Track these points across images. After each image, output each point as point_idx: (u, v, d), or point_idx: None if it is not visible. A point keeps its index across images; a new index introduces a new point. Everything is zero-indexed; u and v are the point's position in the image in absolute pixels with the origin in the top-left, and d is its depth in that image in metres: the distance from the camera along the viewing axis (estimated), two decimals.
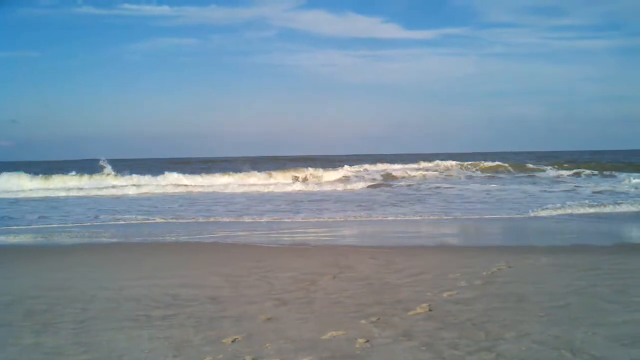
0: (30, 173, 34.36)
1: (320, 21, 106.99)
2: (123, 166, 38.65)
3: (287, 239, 12.45)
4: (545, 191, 25.19)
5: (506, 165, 42.39)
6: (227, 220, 16.57)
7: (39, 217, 17.89)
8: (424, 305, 6.38)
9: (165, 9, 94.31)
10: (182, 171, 36.94)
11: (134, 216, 17.82)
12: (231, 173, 35.88)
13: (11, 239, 13.33)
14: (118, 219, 17.01)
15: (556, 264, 8.77)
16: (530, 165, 43.29)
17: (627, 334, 5.27)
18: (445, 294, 6.90)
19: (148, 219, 16.81)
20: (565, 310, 6.10)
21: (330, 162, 56.39)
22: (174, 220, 16.48)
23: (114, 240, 12.86)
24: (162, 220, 16.51)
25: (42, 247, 12.15)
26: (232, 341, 5.29)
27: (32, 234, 14.32)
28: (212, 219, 16.70)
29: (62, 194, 27.15)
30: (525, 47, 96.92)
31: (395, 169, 40.50)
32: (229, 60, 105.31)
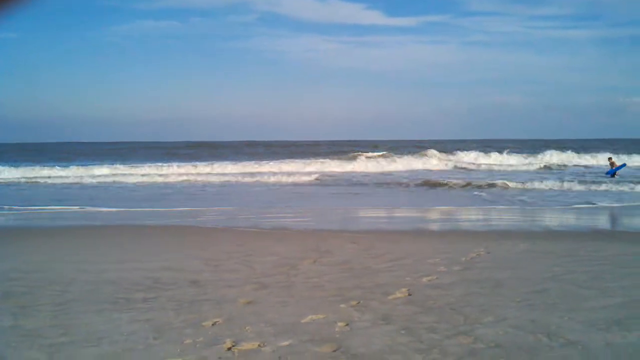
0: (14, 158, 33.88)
1: (303, 6, 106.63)
2: (123, 150, 38.25)
3: (267, 223, 12.44)
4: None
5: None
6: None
7: (24, 201, 17.70)
8: (404, 289, 6.43)
9: None
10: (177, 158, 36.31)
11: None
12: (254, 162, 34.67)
13: None
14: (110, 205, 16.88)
15: (534, 250, 8.88)
16: None
17: (602, 318, 5.36)
18: (424, 279, 6.96)
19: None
20: (542, 296, 6.19)
21: (314, 147, 56.42)
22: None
23: (95, 223, 12.79)
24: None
25: (22, 230, 12.05)
26: (213, 324, 5.30)
27: (12, 217, 14.18)
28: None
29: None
30: (507, 36, 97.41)
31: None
32: (210, 44, 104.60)
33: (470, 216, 14.40)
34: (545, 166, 33.16)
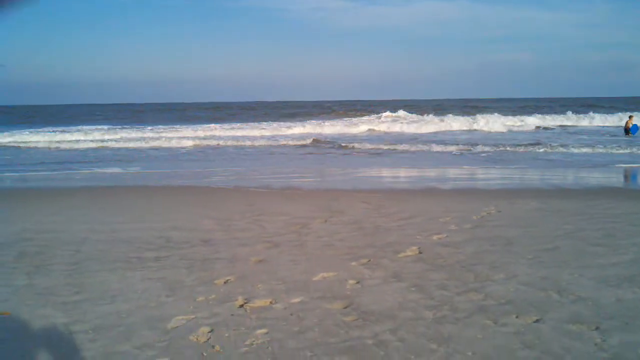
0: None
1: None
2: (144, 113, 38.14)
3: (279, 183, 12.45)
4: None
5: None
6: None
7: (39, 164, 17.81)
8: (414, 248, 6.44)
9: None
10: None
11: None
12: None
13: (4, 184, 13.30)
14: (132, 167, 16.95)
15: (545, 209, 8.84)
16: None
17: (613, 275, 5.36)
18: (435, 237, 6.97)
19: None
20: (553, 253, 6.19)
21: (321, 107, 56.13)
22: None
23: (106, 184, 12.85)
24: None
25: (34, 191, 12.13)
26: (225, 282, 5.35)
27: (24, 179, 14.29)
28: None
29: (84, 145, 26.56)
30: None
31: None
32: (214, 3, 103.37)
33: (482, 175, 14.34)
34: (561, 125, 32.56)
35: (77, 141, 26.35)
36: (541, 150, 19.42)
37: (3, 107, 74.57)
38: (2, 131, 31.03)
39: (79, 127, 33.14)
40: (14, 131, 31.16)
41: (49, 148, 23.64)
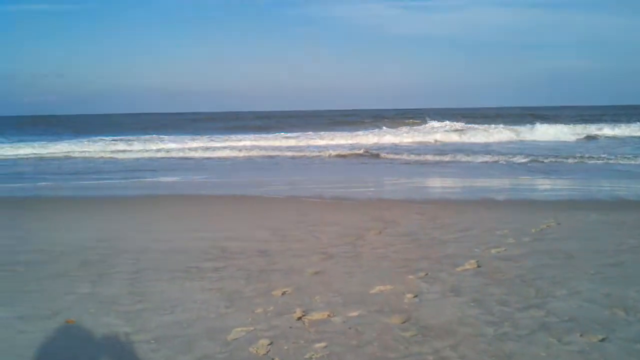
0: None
1: None
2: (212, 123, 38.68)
3: (331, 193, 12.45)
4: None
5: None
6: None
7: (96, 172, 18.32)
8: (472, 261, 6.35)
9: None
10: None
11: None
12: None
13: (68, 192, 13.73)
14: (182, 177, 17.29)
15: (606, 221, 8.59)
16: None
17: None
18: (493, 250, 6.85)
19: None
20: (617, 269, 6.00)
21: (374, 116, 56.08)
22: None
23: (162, 193, 13.12)
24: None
25: (94, 200, 12.47)
26: (282, 293, 5.38)
27: (87, 187, 14.71)
28: None
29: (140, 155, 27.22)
30: None
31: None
32: (270, 11, 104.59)
33: (539, 185, 14.05)
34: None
35: (130, 151, 26.95)
36: (600, 160, 18.87)
37: (63, 116, 77.01)
38: (61, 140, 32.06)
39: (125, 137, 33.75)
40: (72, 140, 32.14)
41: (103, 158, 24.22)
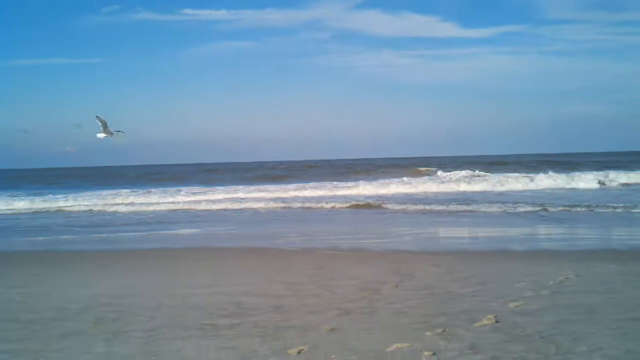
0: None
1: (376, 21, 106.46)
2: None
3: (346, 244, 12.43)
4: None
5: None
6: None
7: (112, 225, 18.46)
8: (490, 316, 6.26)
9: (223, 13, 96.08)
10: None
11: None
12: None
13: (85, 246, 13.82)
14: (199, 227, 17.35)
15: (626, 273, 8.48)
16: None
17: None
18: (511, 305, 6.76)
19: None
20: (638, 323, 5.89)
21: (387, 165, 56.29)
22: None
23: (176, 246, 13.16)
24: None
25: (108, 254, 12.52)
26: (298, 352, 5.32)
27: (103, 241, 14.80)
28: None
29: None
30: (587, 44, 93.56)
31: None
32: (285, 62, 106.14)
33: (556, 235, 13.94)
34: None
35: (145, 203, 27.09)
36: (616, 208, 18.69)
37: (81, 168, 78.04)
38: (78, 192, 32.34)
39: (138, 190, 33.93)
40: (87, 192, 32.44)
41: (116, 212, 24.33)
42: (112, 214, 23.00)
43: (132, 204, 26.96)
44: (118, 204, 26.62)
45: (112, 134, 10.58)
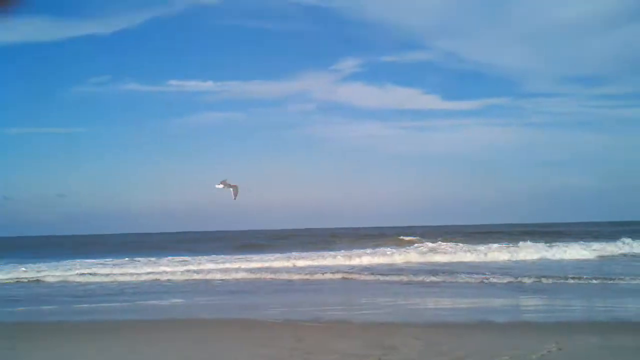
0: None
1: (361, 93, 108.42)
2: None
3: (327, 316, 12.28)
4: None
5: None
6: None
7: (91, 296, 18.12)
8: None
9: (209, 84, 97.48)
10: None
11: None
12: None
13: (62, 317, 13.54)
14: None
15: (608, 346, 8.44)
16: None
17: None
18: None
19: None
20: None
21: (370, 235, 56.28)
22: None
23: (149, 317, 12.93)
24: None
25: (88, 325, 12.26)
26: None
27: (83, 312, 14.53)
28: None
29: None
30: (568, 116, 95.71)
31: None
32: (270, 133, 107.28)
33: (537, 306, 13.90)
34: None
35: (125, 274, 26.69)
36: (597, 279, 18.69)
37: (60, 237, 77.21)
38: (59, 260, 31.83)
39: (111, 261, 33.47)
40: (68, 261, 31.94)
41: (103, 281, 23.93)
42: (92, 283, 22.62)
43: (110, 274, 26.46)
44: (96, 274, 26.22)
45: (229, 186, 11.01)
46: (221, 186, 10.94)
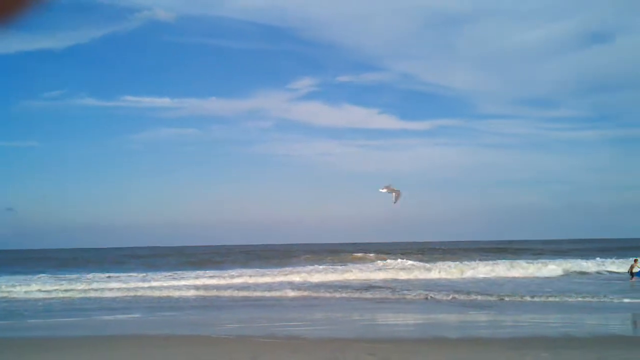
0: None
1: (317, 112, 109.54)
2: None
3: (282, 332, 12.24)
4: None
5: None
6: None
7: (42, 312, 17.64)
8: None
9: (166, 101, 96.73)
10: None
11: None
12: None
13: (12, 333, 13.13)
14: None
15: None
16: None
17: None
18: None
19: None
20: None
21: (328, 250, 56.33)
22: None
23: (104, 333, 12.67)
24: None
25: (30, 341, 11.92)
26: None
27: (33, 328, 14.11)
28: None
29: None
30: (520, 138, 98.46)
31: None
32: (227, 149, 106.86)
33: (489, 323, 14.12)
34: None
35: (74, 290, 26.09)
36: (549, 297, 19.09)
37: (13, 251, 74.98)
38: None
39: (61, 276, 32.73)
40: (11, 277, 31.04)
41: (58, 297, 23.35)
42: (39, 300, 22.02)
43: (55, 291, 25.78)
44: (46, 290, 25.56)
45: (392, 190, 11.19)
46: (385, 190, 11.29)
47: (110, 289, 25.64)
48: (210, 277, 30.32)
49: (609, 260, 34.50)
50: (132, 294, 23.51)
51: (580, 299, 18.35)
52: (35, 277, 30.79)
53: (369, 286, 23.98)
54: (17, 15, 0.73)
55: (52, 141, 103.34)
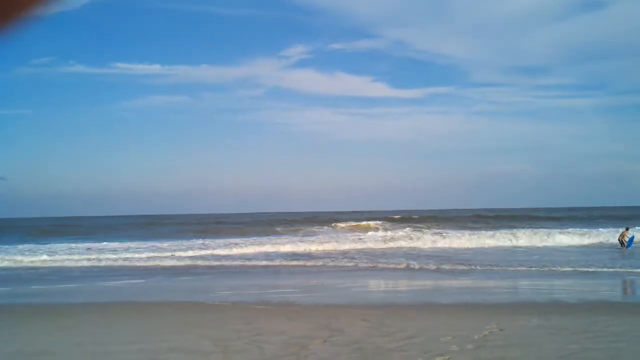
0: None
1: (310, 80, 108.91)
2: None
3: (276, 298, 12.32)
4: None
5: None
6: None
7: (31, 280, 17.70)
8: None
9: (157, 68, 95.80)
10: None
11: None
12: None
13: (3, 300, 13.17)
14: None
15: (548, 326, 8.73)
16: None
17: None
18: (437, 359, 6.84)
19: None
20: None
21: (323, 219, 56.55)
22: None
23: (102, 300, 12.71)
24: None
25: (27, 308, 11.96)
26: None
27: (21, 295, 14.15)
28: None
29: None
30: (512, 106, 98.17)
31: None
32: (220, 117, 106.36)
33: (481, 288, 14.25)
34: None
35: (68, 259, 26.11)
36: (533, 267, 19.20)
37: (4, 219, 74.85)
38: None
39: (52, 245, 32.79)
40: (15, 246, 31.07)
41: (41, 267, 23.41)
42: (35, 269, 22.07)
43: (46, 260, 25.75)
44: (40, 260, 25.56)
45: None
46: None
47: (95, 259, 25.64)
48: (203, 247, 30.30)
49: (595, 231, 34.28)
50: (109, 264, 23.47)
51: (569, 268, 18.54)
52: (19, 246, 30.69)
53: (368, 254, 24.16)
54: (21, 20, 0.69)
55: (45, 108, 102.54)
